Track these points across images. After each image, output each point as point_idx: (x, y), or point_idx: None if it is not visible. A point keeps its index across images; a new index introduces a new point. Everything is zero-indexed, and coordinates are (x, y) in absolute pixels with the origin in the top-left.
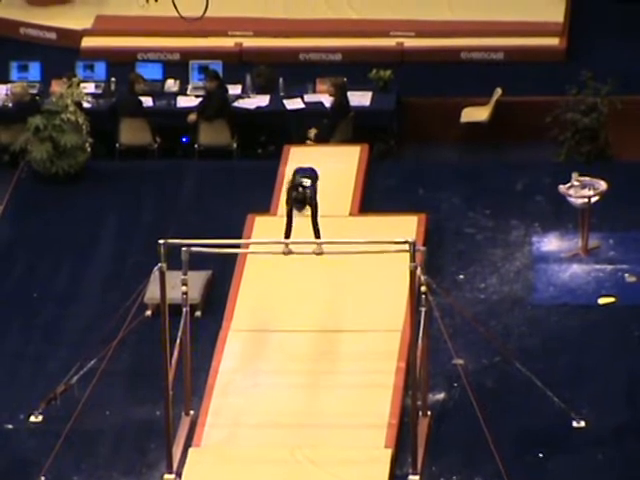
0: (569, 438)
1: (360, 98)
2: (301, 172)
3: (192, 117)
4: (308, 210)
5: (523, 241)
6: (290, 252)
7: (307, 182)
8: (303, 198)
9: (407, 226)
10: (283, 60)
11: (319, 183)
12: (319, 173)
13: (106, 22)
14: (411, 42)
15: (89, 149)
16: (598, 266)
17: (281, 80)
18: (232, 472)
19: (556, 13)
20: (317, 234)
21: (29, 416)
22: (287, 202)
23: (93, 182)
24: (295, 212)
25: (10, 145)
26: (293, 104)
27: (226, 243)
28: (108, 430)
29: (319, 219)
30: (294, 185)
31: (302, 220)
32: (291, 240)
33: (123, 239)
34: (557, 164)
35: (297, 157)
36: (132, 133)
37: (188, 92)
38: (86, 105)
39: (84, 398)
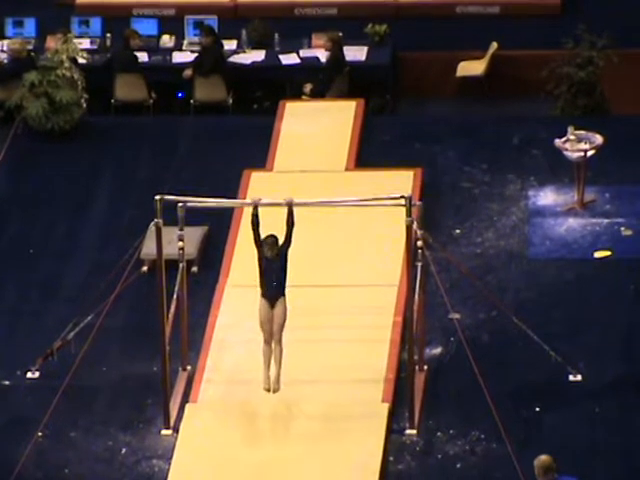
0: (566, 392)
1: (356, 53)
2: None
3: (187, 72)
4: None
5: (519, 195)
6: (260, 200)
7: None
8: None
9: (403, 181)
10: (278, 15)
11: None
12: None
13: None
14: None
15: (84, 105)
16: (594, 220)
17: (277, 35)
18: (229, 428)
19: None
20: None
21: (26, 372)
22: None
23: (88, 138)
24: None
25: (5, 101)
26: (289, 59)
27: (222, 200)
28: (105, 386)
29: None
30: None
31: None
32: (295, 200)
33: (119, 195)
34: (553, 118)
35: (293, 112)
36: (127, 89)
37: (183, 47)
38: (81, 61)
39: (81, 354)
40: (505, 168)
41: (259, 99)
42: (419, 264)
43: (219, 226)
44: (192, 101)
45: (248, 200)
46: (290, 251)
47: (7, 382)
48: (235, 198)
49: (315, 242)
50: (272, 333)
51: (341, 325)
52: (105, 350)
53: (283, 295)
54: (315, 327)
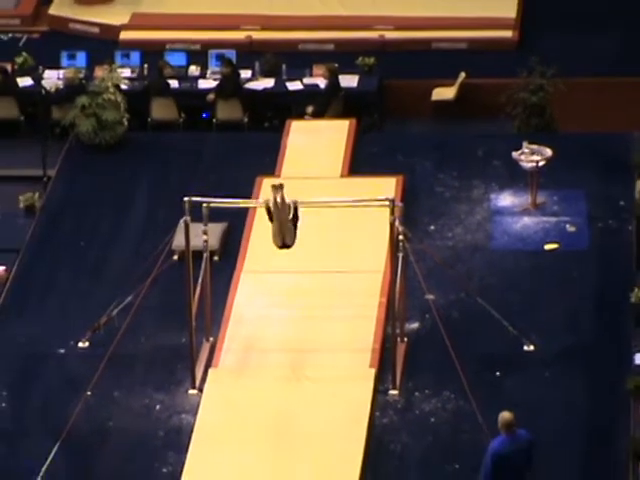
0: (521, 360)
1: (349, 80)
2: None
3: (211, 97)
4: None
5: (483, 198)
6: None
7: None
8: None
9: (388, 186)
10: (286, 49)
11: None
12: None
13: (140, 19)
14: (391, 34)
15: (126, 123)
16: (544, 218)
17: (284, 66)
18: (245, 388)
19: (509, 9)
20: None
21: (78, 342)
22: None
23: (129, 151)
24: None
25: (61, 120)
26: (294, 86)
27: (239, 200)
28: (142, 354)
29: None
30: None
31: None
32: (299, 201)
33: (154, 197)
34: (511, 135)
35: (297, 129)
36: (161, 110)
37: (207, 76)
38: (123, 87)
39: (123, 328)
40: (471, 175)
41: (270, 118)
42: (400, 254)
43: (236, 223)
44: (214, 120)
45: (261, 201)
46: (295, 242)
47: (62, 350)
48: (249, 199)
49: (314, 236)
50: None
51: (336, 304)
52: (142, 324)
53: None
54: (314, 306)
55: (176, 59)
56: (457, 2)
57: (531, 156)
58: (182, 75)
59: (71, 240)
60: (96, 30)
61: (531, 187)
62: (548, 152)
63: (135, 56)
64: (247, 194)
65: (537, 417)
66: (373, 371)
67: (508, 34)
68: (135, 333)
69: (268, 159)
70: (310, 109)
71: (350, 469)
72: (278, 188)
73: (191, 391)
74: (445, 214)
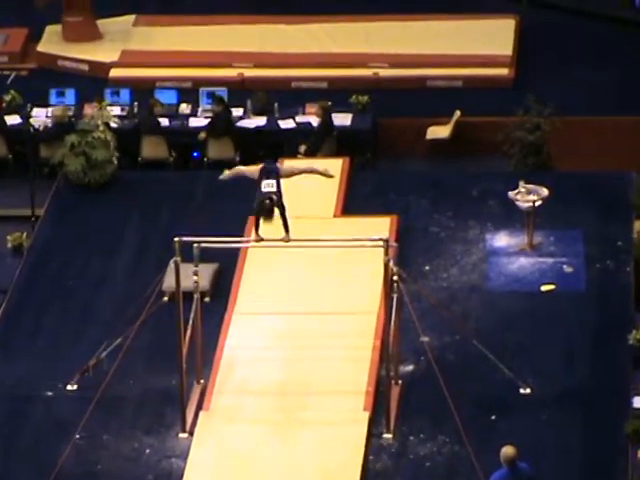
0: (517, 403)
1: (342, 119)
2: (266, 173)
3: (202, 135)
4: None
5: (479, 238)
6: (262, 239)
7: (273, 189)
8: (271, 208)
9: (382, 226)
10: (278, 87)
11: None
12: (280, 170)
13: (130, 56)
14: (385, 72)
15: (116, 162)
16: (541, 259)
17: (276, 104)
18: (235, 432)
19: (505, 47)
20: (286, 228)
21: (66, 385)
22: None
23: (119, 190)
24: (263, 220)
25: (50, 159)
26: (286, 124)
27: (230, 240)
28: (132, 397)
29: (287, 215)
30: (262, 198)
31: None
32: (292, 241)
33: (144, 237)
34: (507, 174)
35: None
36: (152, 148)
37: (198, 114)
38: (113, 125)
39: (112, 370)
40: (467, 215)
41: (262, 157)
42: (395, 295)
43: (228, 263)
44: (205, 159)
45: (252, 239)
46: (287, 284)
47: (50, 393)
48: (241, 239)
49: (307, 276)
50: None
51: (329, 346)
52: (132, 367)
53: None
54: (307, 348)
55: (167, 97)
56: (452, 39)
57: (527, 196)
58: (173, 113)
59: (59, 281)
60: (85, 67)
61: (527, 227)
62: (545, 192)
63: (125, 94)
64: (238, 234)
65: (534, 461)
66: (367, 414)
67: (504, 72)
68: (124, 375)
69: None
70: (303, 148)
71: None
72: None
73: (181, 435)
74: (440, 254)
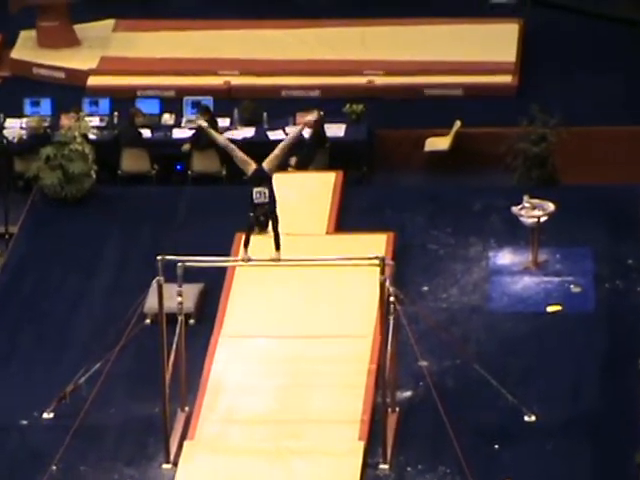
0: (521, 431)
1: (335, 130)
2: (257, 180)
3: (186, 147)
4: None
5: (480, 256)
6: (250, 259)
7: (266, 199)
8: (265, 223)
9: (377, 243)
10: (267, 96)
11: (299, 205)
12: (270, 172)
13: (110, 63)
14: (381, 80)
15: (94, 176)
16: (546, 278)
17: (265, 114)
18: (223, 463)
19: (508, 53)
20: (278, 245)
21: (42, 413)
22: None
23: (98, 205)
24: (257, 232)
25: (25, 172)
26: (276, 135)
27: (216, 259)
28: (112, 425)
29: (280, 228)
30: (255, 214)
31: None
32: (283, 260)
33: (125, 256)
34: (510, 188)
35: (280, 182)
36: (132, 161)
37: (182, 125)
38: (91, 137)
39: (91, 397)
40: (468, 232)
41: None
42: (391, 317)
43: (214, 283)
44: (190, 172)
45: (239, 258)
46: (277, 305)
47: (25, 422)
48: (228, 258)
49: (299, 298)
50: None
51: (322, 372)
52: (112, 393)
53: None
54: (298, 373)
55: (148, 106)
56: (452, 45)
57: (532, 211)
58: (155, 124)
59: (35, 301)
60: (62, 75)
61: (532, 244)
62: (550, 206)
63: (104, 103)
64: (225, 252)
65: None
66: (362, 444)
67: (507, 79)
68: (104, 403)
69: (247, 214)
70: (293, 160)
71: None
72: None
73: (165, 466)
74: (439, 273)
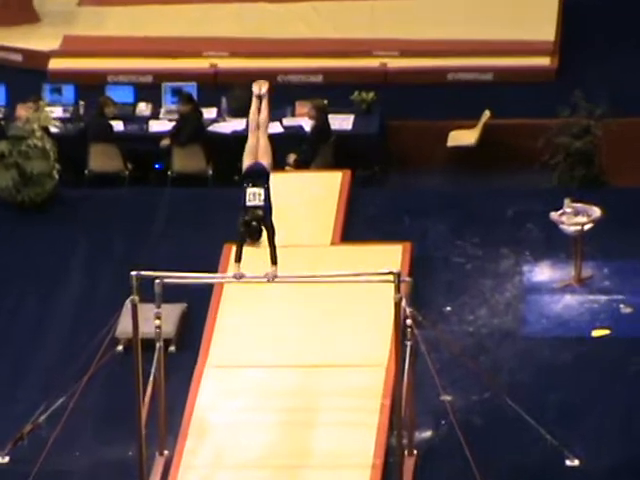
0: (562, 477)
1: (342, 122)
2: (252, 178)
3: (165, 142)
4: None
5: (513, 271)
6: (242, 276)
7: (261, 202)
8: (259, 230)
9: (391, 256)
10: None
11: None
12: (270, 174)
13: (74, 43)
14: (395, 62)
15: (57, 176)
16: (592, 296)
17: None
18: None
19: (547, 32)
20: (274, 259)
21: None
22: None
23: (61, 211)
24: (249, 244)
25: None
26: (271, 128)
27: (202, 276)
28: (78, 471)
29: (276, 241)
30: (248, 219)
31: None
32: (280, 277)
33: (93, 271)
34: (549, 190)
35: (276, 184)
36: (102, 159)
37: (161, 116)
38: (53, 130)
39: (52, 438)
40: (498, 242)
41: (241, 170)
42: (408, 343)
43: (198, 303)
44: (170, 172)
45: (229, 275)
46: (273, 329)
47: None
48: (215, 273)
49: (299, 320)
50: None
51: (326, 408)
52: (78, 434)
53: None
54: (299, 410)
55: (121, 94)
56: (480, 23)
57: (574, 217)
58: (128, 115)
59: None
60: (18, 58)
61: (574, 257)
62: (596, 212)
63: (68, 91)
64: (212, 267)
65: None
66: None
67: (545, 62)
68: (68, 445)
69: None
70: (292, 158)
71: None
72: (263, 82)
73: None
74: (465, 291)
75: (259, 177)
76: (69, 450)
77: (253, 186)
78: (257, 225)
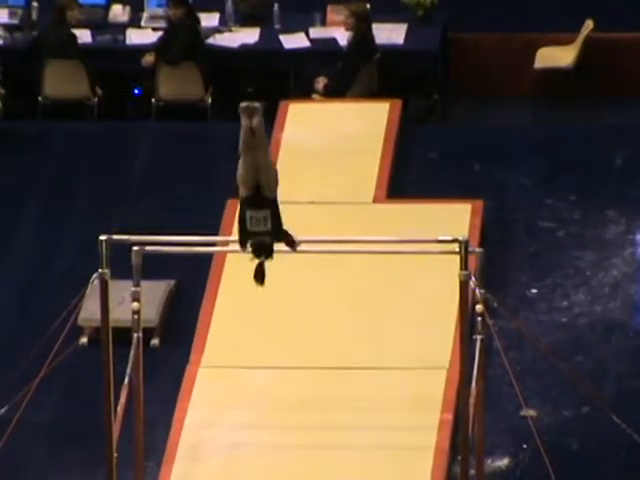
0: None
1: (390, 33)
2: (253, 201)
3: (148, 59)
4: None
5: (623, 240)
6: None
7: (267, 227)
8: (262, 253)
9: (456, 218)
10: None
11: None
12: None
13: None
14: None
15: (1, 105)
16: None
17: (276, 7)
18: None
19: None
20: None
21: None
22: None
23: (8, 151)
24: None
25: None
26: (293, 41)
27: (196, 239)
28: None
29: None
30: (245, 232)
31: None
32: (304, 243)
33: (49, 233)
34: None
35: (299, 118)
36: (62, 82)
37: (142, 23)
38: None
39: None
40: (603, 201)
41: (250, 98)
42: (478, 337)
43: (191, 280)
44: (154, 100)
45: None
46: (288, 317)
47: None
48: (214, 237)
49: (325, 306)
50: None
51: (363, 425)
52: (26, 454)
53: None
54: (324, 427)
55: None
56: None
57: None
58: (98, 21)
59: None
60: None
61: None
62: None
63: None
64: (211, 227)
65: None
66: None
67: None
68: (13, 468)
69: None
70: (322, 83)
71: None
72: (254, 110)
73: None
74: (557, 268)
75: (262, 201)
76: (15, 476)
77: (254, 207)
78: (261, 253)
